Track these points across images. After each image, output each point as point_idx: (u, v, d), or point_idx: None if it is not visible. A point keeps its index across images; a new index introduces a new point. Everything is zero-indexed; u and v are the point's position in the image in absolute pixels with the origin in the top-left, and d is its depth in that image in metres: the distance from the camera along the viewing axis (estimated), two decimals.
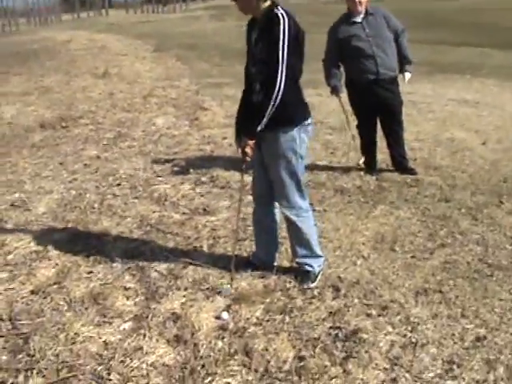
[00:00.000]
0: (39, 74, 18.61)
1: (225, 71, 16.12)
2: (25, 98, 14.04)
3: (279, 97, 3.93)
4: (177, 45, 25.32)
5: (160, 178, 7.24)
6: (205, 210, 6.10)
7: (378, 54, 6.68)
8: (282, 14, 3.95)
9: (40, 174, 7.67)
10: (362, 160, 7.25)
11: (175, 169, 7.60)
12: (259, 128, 4.02)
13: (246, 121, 4.14)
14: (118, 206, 6.27)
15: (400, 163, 7.14)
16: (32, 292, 4.46)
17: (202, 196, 6.56)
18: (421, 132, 9.11)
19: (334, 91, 7.01)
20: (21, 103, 13.38)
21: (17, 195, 6.80)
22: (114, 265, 4.85)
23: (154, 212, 6.07)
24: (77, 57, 22.54)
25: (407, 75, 7.04)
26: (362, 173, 7.07)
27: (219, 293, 4.28)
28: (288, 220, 4.43)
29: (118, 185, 7.04)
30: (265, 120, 3.99)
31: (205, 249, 5.15)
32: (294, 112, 4.18)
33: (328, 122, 9.84)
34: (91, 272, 4.75)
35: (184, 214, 6.02)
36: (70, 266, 4.86)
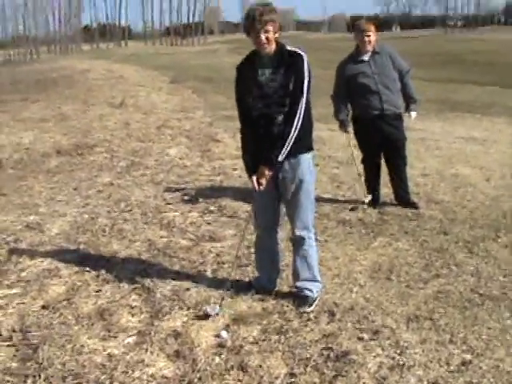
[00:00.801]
0: (57, 101, 19.03)
1: None
2: (42, 125, 14.44)
3: (299, 127, 4.33)
4: (193, 77, 25.82)
5: (170, 206, 7.49)
6: (211, 237, 6.33)
7: (383, 91, 6.95)
8: (302, 53, 4.39)
9: (54, 198, 7.95)
10: (367, 199, 7.43)
11: (185, 197, 7.86)
12: (281, 158, 4.36)
13: (267, 153, 4.41)
14: (128, 231, 6.52)
15: (402, 197, 7.36)
16: (43, 307, 4.71)
17: (208, 224, 6.79)
18: (426, 168, 9.34)
19: (342, 126, 7.28)
20: (38, 129, 13.76)
21: (32, 217, 7.08)
22: (122, 285, 5.08)
23: (162, 237, 6.31)
24: (95, 86, 23.02)
25: (413, 114, 7.31)
26: (365, 206, 7.28)
27: (206, 310, 4.48)
28: (299, 242, 4.70)
29: (130, 211, 7.30)
30: (287, 149, 4.34)
31: (208, 273, 5.38)
32: (311, 140, 4.61)
33: (336, 156, 10.10)
34: (99, 290, 4.99)
35: (191, 240, 6.25)
36: (80, 284, 5.11)
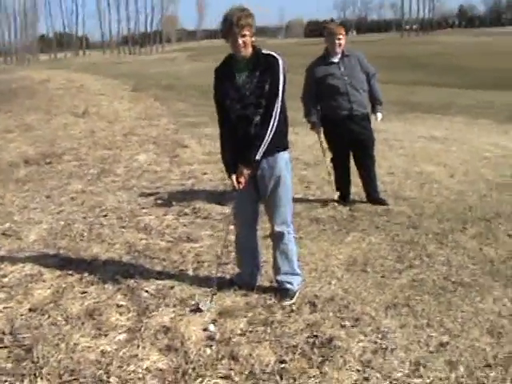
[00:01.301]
0: (19, 112, 18.94)
1: (202, 111, 16.62)
2: (6, 135, 14.38)
3: (275, 128, 4.51)
4: (154, 85, 25.86)
5: (144, 210, 7.60)
6: (188, 238, 6.46)
7: (352, 92, 7.20)
8: (278, 56, 4.57)
9: (28, 206, 7.99)
10: (336, 195, 7.66)
11: (158, 201, 7.98)
12: (258, 157, 4.53)
13: (245, 152, 4.58)
14: (106, 235, 6.62)
15: (371, 195, 7.59)
16: (30, 310, 4.78)
17: (185, 226, 6.93)
18: (392, 166, 9.62)
19: (314, 127, 7.49)
20: (3, 140, 13.71)
21: (7, 225, 7.12)
22: (106, 286, 5.18)
23: (140, 240, 6.43)
24: (55, 96, 22.92)
25: (379, 115, 7.59)
26: (335, 204, 7.50)
27: (198, 305, 4.63)
28: (279, 237, 4.87)
29: (105, 216, 7.39)
30: (264, 148, 4.52)
31: (190, 272, 5.51)
32: (287, 139, 4.79)
33: (303, 158, 10.31)
34: (85, 292, 5.08)
35: (169, 241, 6.38)
36: (65, 286, 5.20)
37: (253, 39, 4.55)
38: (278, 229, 4.85)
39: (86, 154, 11.69)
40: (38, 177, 9.88)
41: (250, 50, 4.56)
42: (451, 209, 7.29)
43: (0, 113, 19.14)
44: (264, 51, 4.63)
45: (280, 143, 4.69)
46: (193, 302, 4.76)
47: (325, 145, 7.70)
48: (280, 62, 4.56)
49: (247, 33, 4.47)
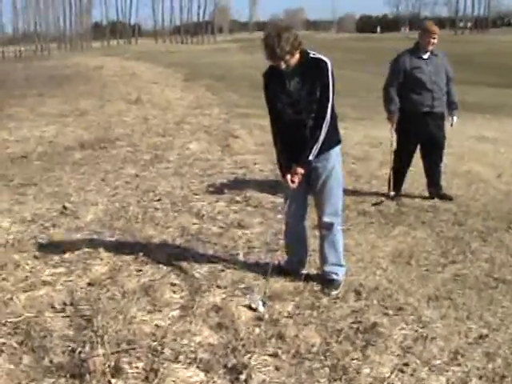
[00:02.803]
0: (73, 97, 19.43)
1: (253, 102, 16.84)
2: (62, 120, 14.85)
3: (327, 129, 4.70)
4: (206, 75, 26.19)
5: (197, 196, 7.87)
6: (239, 224, 6.69)
7: (436, 90, 7.45)
8: (327, 59, 4.69)
9: (84, 188, 8.33)
10: (392, 193, 7.82)
11: (210, 189, 8.23)
12: (311, 157, 4.74)
13: (299, 154, 4.76)
14: (160, 218, 6.90)
15: (436, 191, 7.85)
16: (89, 284, 5.09)
17: (236, 213, 7.16)
18: None
19: (392, 117, 7.66)
20: (59, 124, 14.18)
21: (66, 204, 7.44)
22: (160, 266, 5.45)
23: (193, 224, 6.69)
24: (109, 82, 23.43)
25: (455, 118, 7.87)
26: (383, 198, 7.65)
27: (249, 303, 4.74)
28: (328, 228, 5.06)
29: (159, 200, 7.68)
30: (317, 149, 4.73)
31: (241, 257, 5.75)
32: (338, 134, 4.99)
33: (352, 152, 10.46)
34: (140, 270, 5.37)
35: (221, 227, 6.62)
36: (121, 264, 5.49)
37: (298, 50, 4.63)
38: (327, 219, 5.04)
39: (140, 140, 12.03)
40: (93, 161, 10.23)
41: (296, 57, 4.66)
42: (497, 208, 7.39)
43: (55, 98, 19.65)
44: (312, 55, 4.73)
45: (332, 139, 4.87)
46: (245, 287, 4.98)
47: (394, 137, 7.82)
48: (329, 65, 4.67)
49: (289, 57, 4.58)
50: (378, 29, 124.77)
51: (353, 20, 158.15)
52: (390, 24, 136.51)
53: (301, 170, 4.79)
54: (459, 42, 63.17)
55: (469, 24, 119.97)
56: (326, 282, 5.10)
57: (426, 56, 7.48)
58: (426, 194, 7.86)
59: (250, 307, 4.66)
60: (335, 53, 35.09)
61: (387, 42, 62.71)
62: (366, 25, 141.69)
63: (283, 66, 4.62)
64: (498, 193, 8.14)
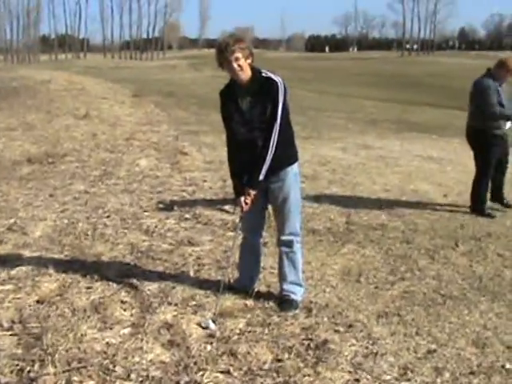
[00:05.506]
0: (21, 111, 19.08)
1: (202, 120, 16.88)
2: (9, 133, 14.56)
3: (274, 149, 4.72)
4: (155, 91, 26.06)
5: (146, 213, 7.83)
6: (189, 241, 6.69)
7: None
8: (278, 79, 4.74)
9: (32, 204, 8.21)
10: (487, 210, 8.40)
11: (160, 206, 8.21)
12: (261, 177, 4.77)
13: (249, 174, 4.83)
14: (109, 235, 6.85)
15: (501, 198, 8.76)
16: (38, 301, 5.00)
17: (186, 230, 7.15)
18: (387, 183, 9.88)
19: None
20: (6, 138, 13.90)
21: (12, 220, 7.33)
22: (110, 283, 5.41)
23: (143, 241, 6.65)
24: (57, 97, 23.06)
25: None
26: (331, 216, 7.75)
27: (201, 324, 4.70)
28: (287, 246, 5.08)
29: (108, 216, 7.61)
30: (266, 169, 4.75)
31: (191, 273, 5.74)
32: (295, 152, 5.03)
33: (301, 171, 10.48)
34: (90, 287, 5.31)
35: (171, 244, 6.61)
36: (71, 281, 5.42)
37: (248, 61, 4.71)
38: (286, 238, 5.07)
39: (89, 155, 11.91)
40: (41, 176, 10.09)
41: (248, 72, 4.72)
42: (444, 226, 7.56)
43: (1, 111, 19.30)
44: (264, 73, 4.79)
45: (286, 156, 4.90)
46: (196, 304, 4.97)
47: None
48: (279, 84, 4.72)
49: (239, 55, 4.63)
50: (327, 48, 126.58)
51: (302, 39, 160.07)
52: (338, 44, 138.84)
53: (252, 192, 4.83)
54: (406, 64, 64.47)
55: (415, 46, 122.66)
56: (284, 301, 5.08)
57: (500, 88, 8.22)
58: (375, 212, 8.00)
59: (200, 326, 4.65)
60: (284, 71, 35.46)
61: (335, 62, 63.64)
62: (315, 44, 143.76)
63: (235, 66, 4.63)
64: (445, 211, 8.33)
